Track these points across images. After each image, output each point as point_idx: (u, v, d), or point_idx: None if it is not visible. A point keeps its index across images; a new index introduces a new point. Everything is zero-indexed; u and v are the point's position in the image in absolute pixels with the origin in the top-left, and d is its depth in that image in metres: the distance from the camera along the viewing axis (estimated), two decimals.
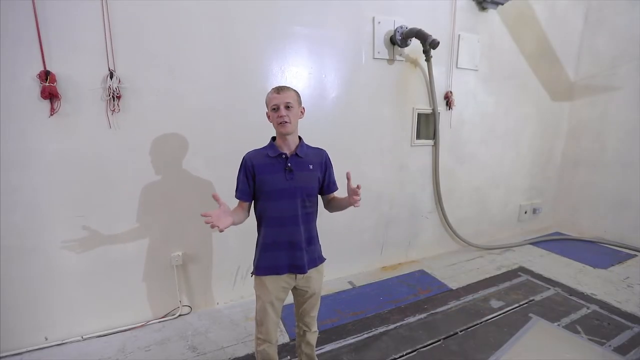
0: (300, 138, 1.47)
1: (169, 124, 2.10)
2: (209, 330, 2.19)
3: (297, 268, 1.42)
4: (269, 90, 1.41)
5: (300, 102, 1.43)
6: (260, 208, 1.44)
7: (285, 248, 1.40)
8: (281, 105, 1.34)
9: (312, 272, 1.48)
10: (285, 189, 1.38)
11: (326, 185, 1.53)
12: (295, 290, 1.52)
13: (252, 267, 1.47)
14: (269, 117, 1.42)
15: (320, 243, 1.55)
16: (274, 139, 1.47)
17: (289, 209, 1.39)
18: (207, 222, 1.21)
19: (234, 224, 1.35)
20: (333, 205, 1.58)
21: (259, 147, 1.46)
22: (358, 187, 1.37)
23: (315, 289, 1.52)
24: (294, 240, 1.40)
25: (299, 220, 1.41)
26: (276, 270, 1.42)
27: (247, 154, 1.44)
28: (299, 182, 1.40)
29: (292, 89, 1.40)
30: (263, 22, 2.24)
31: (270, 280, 1.42)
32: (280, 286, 1.44)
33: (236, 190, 1.43)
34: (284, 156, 1.40)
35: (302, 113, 1.45)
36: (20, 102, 1.76)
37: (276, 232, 1.40)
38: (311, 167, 1.44)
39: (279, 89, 1.37)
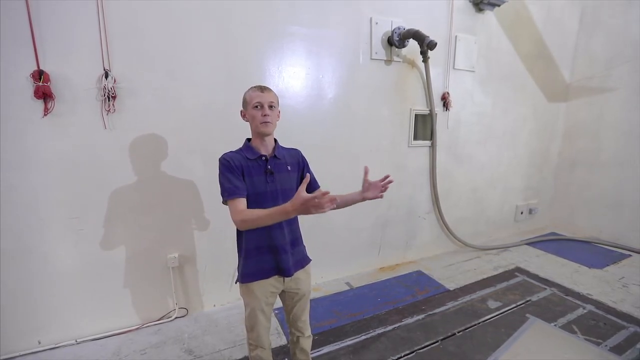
0: (275, 140, 1.44)
1: (166, 124, 2.08)
2: (206, 332, 2.17)
3: (283, 271, 1.39)
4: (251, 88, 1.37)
5: (278, 104, 1.41)
6: None
7: (270, 252, 1.37)
8: (265, 104, 1.32)
9: (299, 274, 1.46)
10: (267, 192, 1.34)
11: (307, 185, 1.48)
12: (283, 294, 1.50)
13: (237, 275, 1.44)
14: (244, 115, 1.40)
15: (304, 244, 1.53)
16: (249, 140, 1.43)
17: None
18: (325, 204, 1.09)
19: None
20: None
21: (233, 150, 1.40)
22: (386, 179, 1.41)
23: (305, 291, 1.50)
24: (278, 244, 1.37)
25: (283, 223, 1.37)
26: (263, 275, 1.38)
27: (225, 154, 1.34)
28: (280, 184, 1.37)
29: (272, 90, 1.38)
30: (261, 20, 2.23)
31: (257, 286, 1.39)
32: (269, 291, 1.41)
33: (229, 191, 1.25)
34: (263, 158, 1.37)
35: (278, 116, 1.42)
36: (13, 101, 1.73)
37: (259, 236, 1.35)
38: (289, 168, 1.42)
39: (262, 88, 1.34)
